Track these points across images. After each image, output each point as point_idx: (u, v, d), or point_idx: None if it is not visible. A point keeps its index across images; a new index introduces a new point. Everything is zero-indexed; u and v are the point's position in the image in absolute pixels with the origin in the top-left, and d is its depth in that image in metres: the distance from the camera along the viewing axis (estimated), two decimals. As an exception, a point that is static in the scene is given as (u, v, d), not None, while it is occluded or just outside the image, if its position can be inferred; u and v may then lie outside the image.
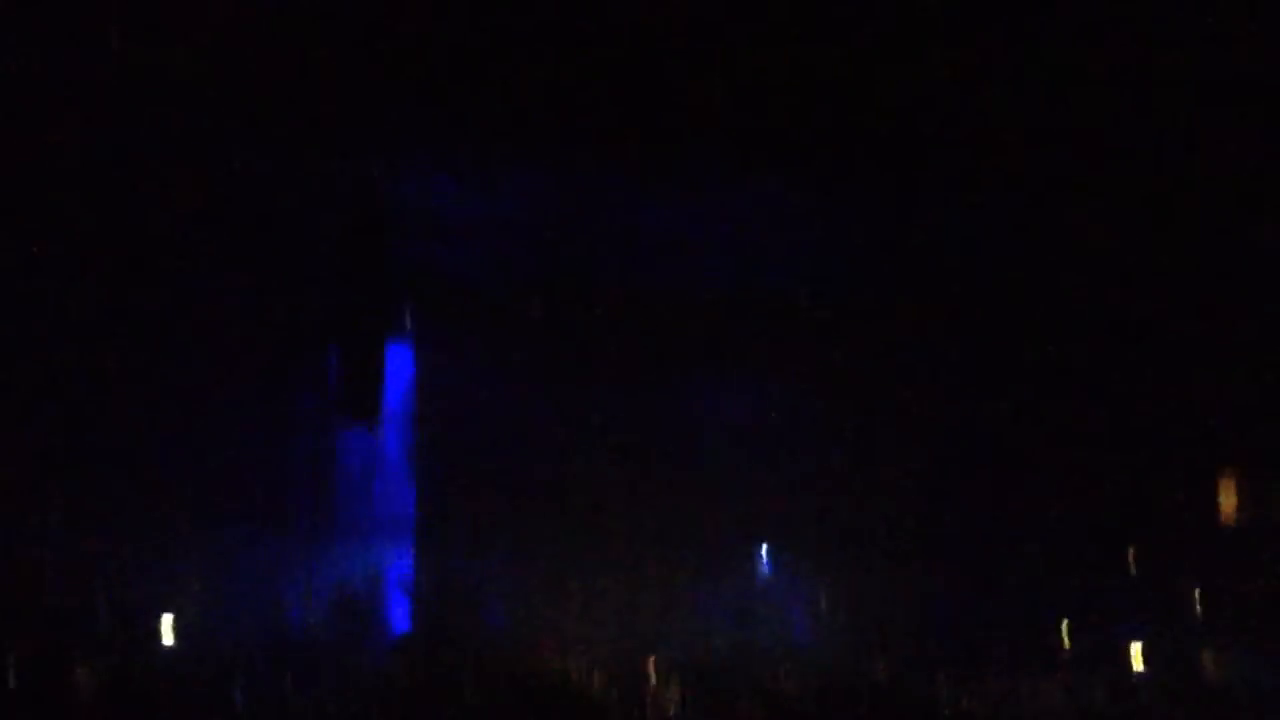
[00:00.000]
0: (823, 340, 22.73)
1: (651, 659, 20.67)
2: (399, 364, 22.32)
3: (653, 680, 19.61)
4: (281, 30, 17.36)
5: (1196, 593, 20.35)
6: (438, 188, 20.70)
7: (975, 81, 18.94)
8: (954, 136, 19.48)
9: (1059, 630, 21.05)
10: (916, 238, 21.56)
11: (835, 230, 21.56)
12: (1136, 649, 19.89)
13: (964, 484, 21.87)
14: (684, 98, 19.11)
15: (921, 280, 22.14)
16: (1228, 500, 20.72)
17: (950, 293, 22.19)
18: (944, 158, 19.75)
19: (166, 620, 17.11)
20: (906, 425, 22.34)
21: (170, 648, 16.94)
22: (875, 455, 22.61)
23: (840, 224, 21.54)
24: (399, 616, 22.14)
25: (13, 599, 14.63)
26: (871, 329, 22.88)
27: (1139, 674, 19.24)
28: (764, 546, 23.16)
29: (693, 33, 18.42)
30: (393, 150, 19.86)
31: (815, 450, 22.66)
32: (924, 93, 19.18)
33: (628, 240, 21.50)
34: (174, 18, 16.43)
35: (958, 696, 18.28)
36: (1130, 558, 20.95)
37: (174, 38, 16.69)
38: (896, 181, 20.44)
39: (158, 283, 18.21)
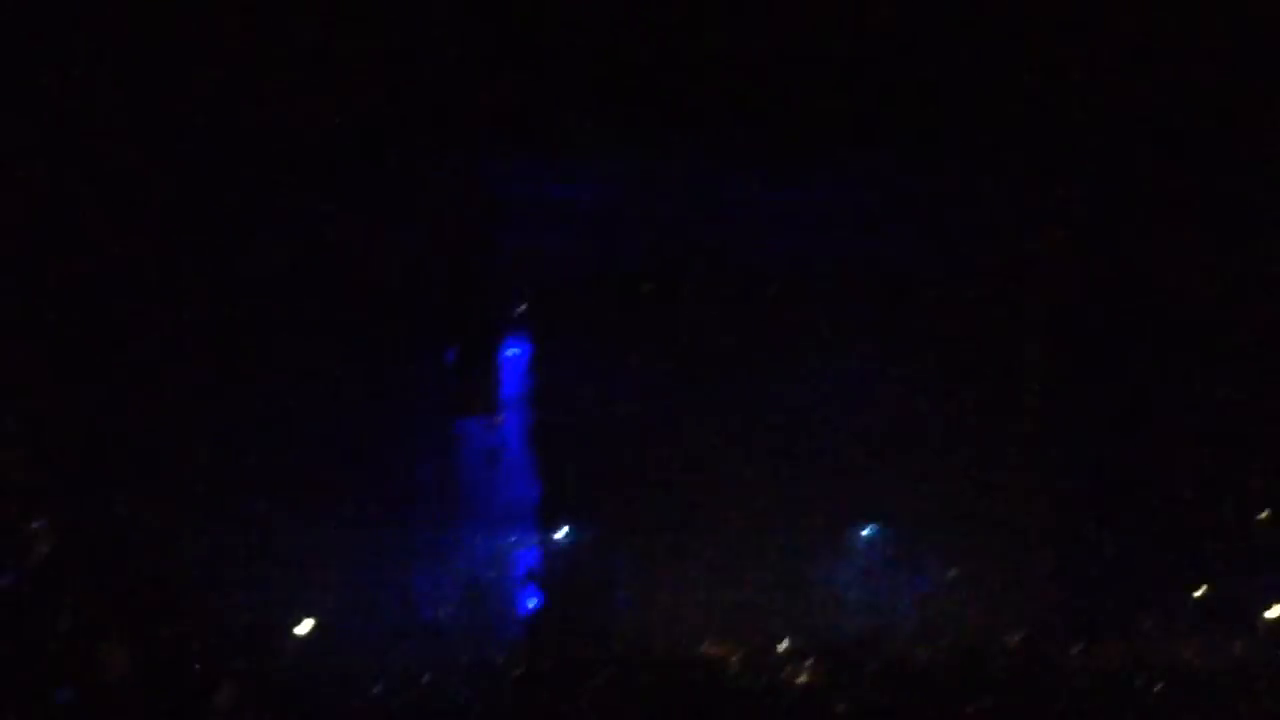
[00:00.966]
0: (938, 314, 22.65)
1: (780, 636, 20.69)
2: (516, 354, 22.52)
3: (783, 658, 19.58)
4: (392, 27, 17.64)
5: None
6: (547, 177, 20.89)
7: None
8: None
9: (1190, 591, 20.85)
10: (1024, 212, 21.47)
11: (943, 204, 21.49)
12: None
13: (1085, 453, 21.73)
14: (791, 78, 19.17)
15: (1028, 252, 22.04)
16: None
17: (1055, 266, 22.07)
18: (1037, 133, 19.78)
19: (300, 610, 17.37)
20: (1026, 399, 22.23)
21: (304, 636, 17.20)
22: (997, 429, 22.52)
23: (947, 198, 21.48)
24: (526, 602, 22.34)
25: (156, 588, 14.89)
26: (987, 303, 22.77)
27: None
28: (889, 523, 23.13)
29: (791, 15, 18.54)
30: (502, 142, 20.07)
31: (940, 424, 22.59)
32: (1038, 71, 19.18)
33: (738, 221, 21.56)
34: (285, 18, 16.78)
35: (1088, 660, 18.08)
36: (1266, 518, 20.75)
37: (291, 37, 17.04)
38: (998, 156, 20.43)
39: (283, 283, 18.50)
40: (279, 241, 18.66)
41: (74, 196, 16.85)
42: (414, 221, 19.84)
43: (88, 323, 17.16)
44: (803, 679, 18.16)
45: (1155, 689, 15.84)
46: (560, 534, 22.29)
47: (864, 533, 22.94)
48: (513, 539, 22.44)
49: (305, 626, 17.51)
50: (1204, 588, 20.86)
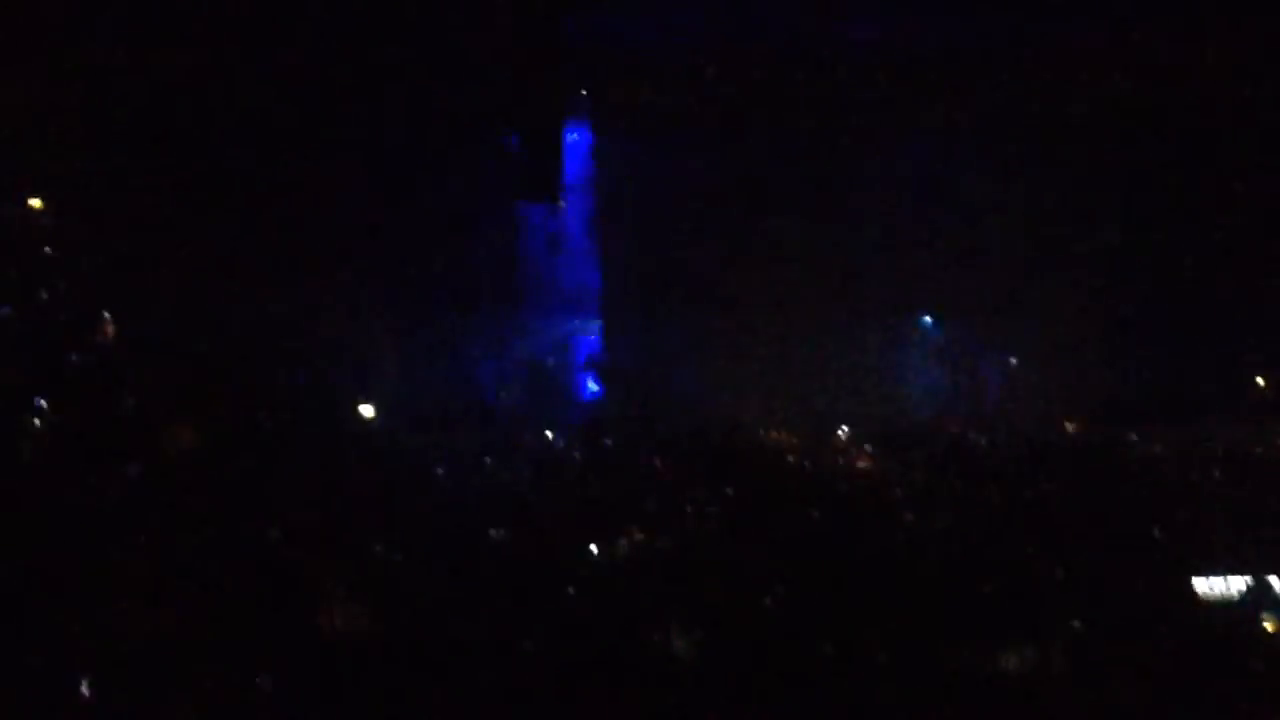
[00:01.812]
0: (1004, 107, 22.34)
1: (840, 424, 20.80)
2: (578, 141, 22.38)
3: (843, 444, 19.70)
4: None
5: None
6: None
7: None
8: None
9: (1246, 383, 20.77)
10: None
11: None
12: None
13: (1143, 251, 21.54)
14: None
15: (1106, 58, 21.61)
16: None
17: (1130, 75, 21.66)
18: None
19: (365, 393, 17.57)
20: (1084, 191, 21.98)
21: (372, 419, 17.41)
22: (1056, 221, 22.31)
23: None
24: (587, 388, 22.52)
25: (221, 369, 15.08)
26: (1044, 91, 22.40)
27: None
28: (948, 313, 23.06)
29: None
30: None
31: (1001, 217, 22.39)
32: None
33: (803, 6, 21.15)
34: None
35: (1144, 448, 18.11)
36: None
37: None
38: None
39: (350, 68, 18.39)
40: (344, 28, 18.51)
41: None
42: (478, 8, 19.59)
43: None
44: (862, 464, 18.32)
45: (1209, 477, 15.90)
46: (620, 321, 22.37)
47: (924, 322, 22.89)
48: (574, 325, 22.55)
49: (369, 409, 17.73)
50: (1261, 378, 20.81)
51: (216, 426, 14.27)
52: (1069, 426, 20.20)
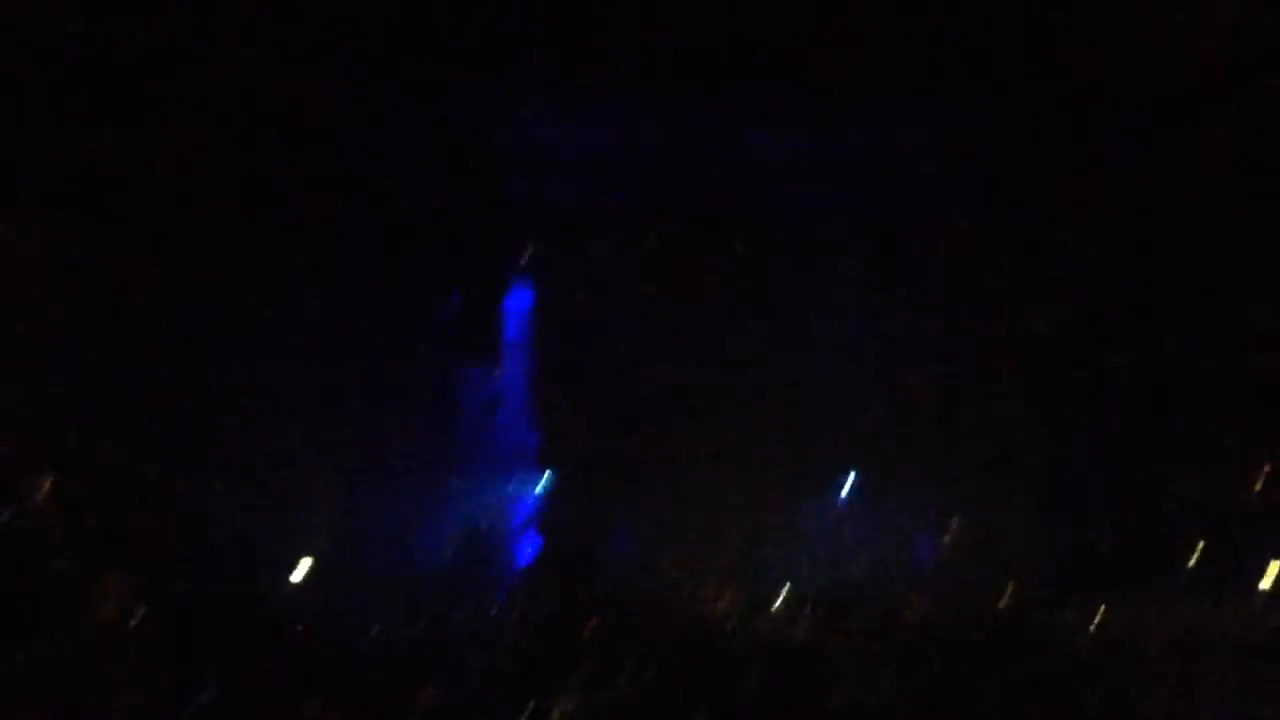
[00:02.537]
0: (937, 262, 22.58)
1: (778, 587, 20.73)
2: (518, 298, 22.44)
3: (781, 608, 19.63)
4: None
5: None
6: (551, 123, 20.75)
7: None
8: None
9: (1188, 553, 20.84)
10: (1033, 162, 21.29)
11: (945, 155, 21.31)
12: (1274, 568, 19.65)
13: (1086, 415, 21.66)
14: (798, 25, 19.03)
15: (1036, 205, 21.88)
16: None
17: (1064, 213, 21.94)
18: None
19: (297, 554, 17.40)
20: (1028, 357, 22.17)
21: (301, 585, 17.24)
22: (997, 380, 22.47)
23: (949, 148, 21.32)
24: (524, 549, 22.37)
25: (153, 529, 14.93)
26: (990, 258, 22.69)
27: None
28: (888, 475, 23.11)
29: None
30: (505, 88, 19.94)
31: (939, 376, 22.54)
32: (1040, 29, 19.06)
33: (744, 170, 21.39)
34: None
35: (1086, 622, 18.11)
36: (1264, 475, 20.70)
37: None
38: (1006, 108, 20.27)
39: (282, 226, 18.38)
40: (275, 185, 18.52)
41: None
42: (416, 168, 19.71)
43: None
44: (800, 630, 18.24)
45: (1152, 652, 15.91)
46: (558, 483, 22.29)
47: (862, 485, 22.91)
48: (511, 487, 22.46)
49: (302, 569, 17.55)
50: (1201, 549, 20.87)
51: (149, 588, 14.10)
52: (1006, 598, 20.19)
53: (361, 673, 14.41)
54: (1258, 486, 20.55)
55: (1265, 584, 19.49)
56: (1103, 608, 18.28)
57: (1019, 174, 21.48)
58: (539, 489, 22.60)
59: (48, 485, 14.63)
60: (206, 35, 17.26)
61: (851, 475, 22.84)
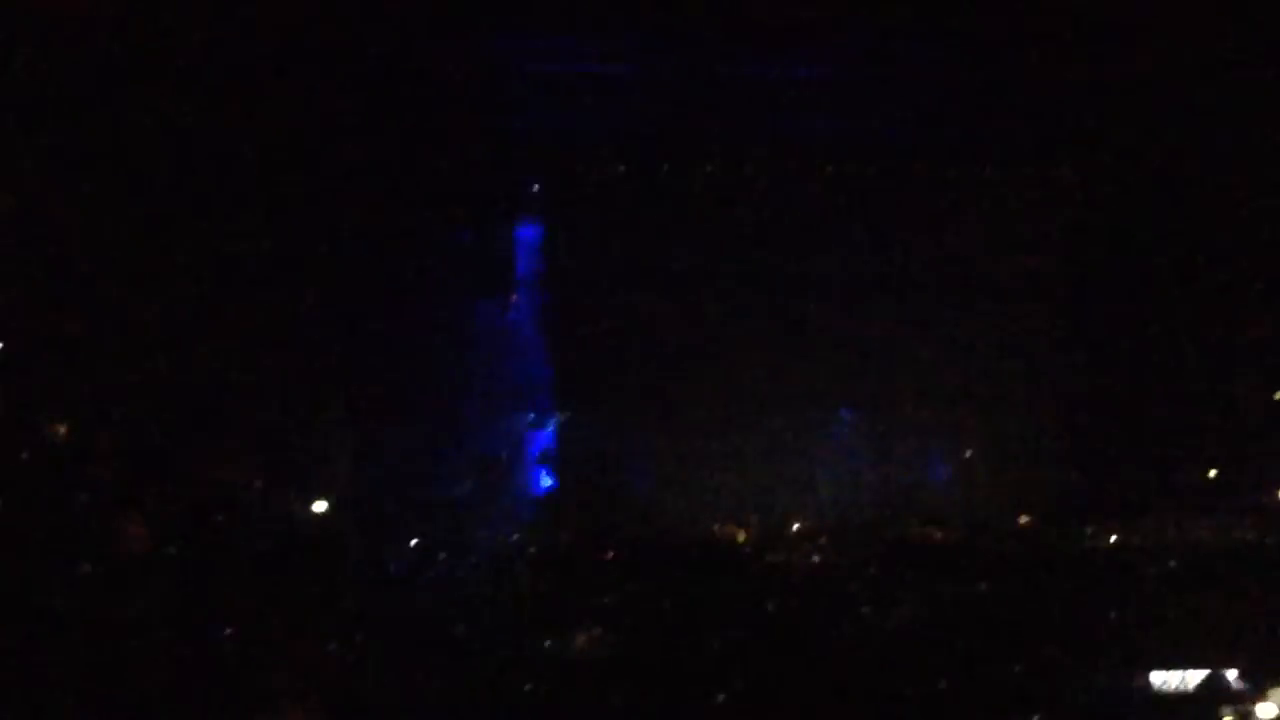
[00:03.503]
0: (949, 187, 22.52)
1: (792, 517, 20.80)
2: (531, 234, 22.44)
3: (795, 538, 19.70)
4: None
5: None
6: (559, 54, 20.67)
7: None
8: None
9: (1198, 472, 20.90)
10: (1024, 90, 21.13)
11: (942, 77, 21.16)
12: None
13: (1097, 337, 21.62)
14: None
15: (1031, 127, 21.76)
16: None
17: (1061, 144, 21.85)
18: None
19: (316, 490, 17.49)
20: (1038, 279, 22.12)
21: (320, 514, 17.33)
22: (1011, 310, 22.44)
23: (948, 70, 21.17)
24: (540, 481, 22.45)
25: (173, 468, 15.01)
26: (997, 181, 22.61)
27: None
28: (903, 405, 23.13)
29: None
30: (513, 20, 19.86)
31: (956, 305, 22.51)
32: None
33: (755, 98, 21.30)
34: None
35: (1099, 541, 18.19)
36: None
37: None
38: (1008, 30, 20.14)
39: (296, 161, 18.35)
40: (290, 125, 18.50)
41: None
42: (427, 101, 19.68)
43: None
44: (814, 559, 18.31)
45: (1166, 570, 15.97)
46: (574, 417, 22.35)
47: (880, 415, 22.91)
48: (526, 419, 22.53)
49: (321, 505, 17.64)
50: (1215, 469, 20.92)
51: (169, 525, 14.19)
52: (1023, 520, 20.27)
53: (382, 605, 14.50)
54: (1264, 414, 20.64)
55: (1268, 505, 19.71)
56: (1113, 530, 18.40)
57: (1007, 98, 21.37)
58: (555, 423, 22.70)
59: (67, 428, 14.72)
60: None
61: (869, 410, 22.94)
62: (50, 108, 16.28)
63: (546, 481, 22.50)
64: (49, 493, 13.16)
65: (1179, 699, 11.77)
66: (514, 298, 22.40)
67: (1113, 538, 17.77)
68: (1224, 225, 20.28)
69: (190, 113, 17.42)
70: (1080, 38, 19.54)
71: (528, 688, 12.12)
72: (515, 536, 18.80)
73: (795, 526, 20.43)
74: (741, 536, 19.93)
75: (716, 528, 20.39)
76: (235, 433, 16.96)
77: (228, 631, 12.44)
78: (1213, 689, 11.72)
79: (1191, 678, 11.86)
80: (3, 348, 15.47)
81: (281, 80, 17.94)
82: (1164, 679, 11.93)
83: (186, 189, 17.33)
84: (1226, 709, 11.51)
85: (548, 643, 13.62)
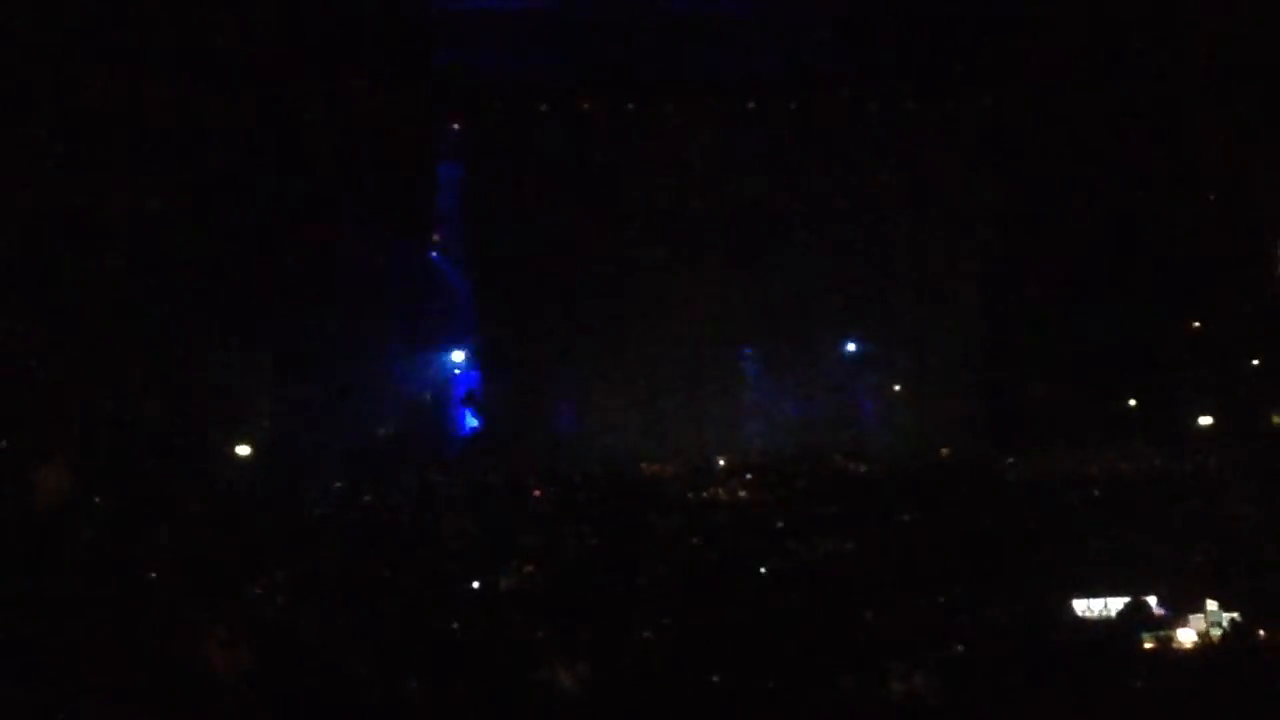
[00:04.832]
0: (875, 128, 22.55)
1: (717, 454, 20.89)
2: (451, 174, 22.31)
3: (721, 474, 19.78)
4: None
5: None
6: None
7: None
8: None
9: (1116, 404, 21.15)
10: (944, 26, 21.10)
11: (875, 10, 21.09)
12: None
13: (1024, 281, 21.75)
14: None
15: (980, 70, 21.77)
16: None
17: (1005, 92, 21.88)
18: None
19: (240, 434, 17.45)
20: (969, 222, 22.21)
21: (244, 458, 17.30)
22: (936, 247, 22.54)
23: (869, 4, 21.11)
24: (466, 422, 22.44)
25: (95, 411, 14.88)
26: (918, 115, 22.64)
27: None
28: (826, 342, 23.23)
29: None
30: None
31: (879, 241, 22.58)
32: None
33: (678, 34, 21.16)
34: None
35: (1019, 471, 18.38)
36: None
37: None
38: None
39: (230, 100, 18.10)
40: (220, 65, 18.24)
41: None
42: (347, 42, 19.45)
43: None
44: (740, 494, 18.40)
45: (1086, 499, 16.16)
46: (497, 355, 22.32)
47: (805, 352, 23.00)
48: (451, 360, 22.48)
49: (244, 449, 17.56)
50: (1133, 399, 21.19)
51: (89, 466, 14.07)
52: (944, 452, 20.45)
53: (309, 552, 14.43)
54: (1180, 346, 20.93)
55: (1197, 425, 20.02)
56: (1033, 459, 18.59)
57: (927, 33, 21.35)
58: (480, 365, 22.65)
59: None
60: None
61: (793, 347, 23.02)
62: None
63: (472, 422, 22.49)
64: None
65: (1101, 625, 11.93)
66: (436, 238, 22.31)
67: (1033, 468, 17.97)
68: (1144, 159, 20.45)
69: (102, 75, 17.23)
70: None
71: (455, 626, 12.11)
72: (440, 479, 18.79)
73: (721, 463, 20.56)
74: (668, 472, 20.02)
75: (644, 465, 20.49)
76: (158, 379, 16.81)
77: (153, 575, 12.36)
78: (1134, 615, 11.89)
79: (1113, 604, 12.03)
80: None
81: (202, 20, 17.73)
82: (1086, 606, 12.09)
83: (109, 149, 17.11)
84: (1148, 635, 11.68)
85: (476, 582, 13.59)
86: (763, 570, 13.76)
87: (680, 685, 10.61)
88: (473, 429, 22.25)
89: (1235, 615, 11.80)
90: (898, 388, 22.73)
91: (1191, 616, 11.90)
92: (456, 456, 21.20)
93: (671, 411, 22.11)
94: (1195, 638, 11.78)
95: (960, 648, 11.14)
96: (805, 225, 22.37)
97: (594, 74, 21.59)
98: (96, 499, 13.68)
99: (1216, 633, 11.80)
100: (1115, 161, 20.33)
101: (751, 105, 22.41)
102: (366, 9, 19.79)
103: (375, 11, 19.98)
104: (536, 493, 17.62)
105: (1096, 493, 16.18)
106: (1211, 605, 11.95)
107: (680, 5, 20.86)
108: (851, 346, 23.04)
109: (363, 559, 13.99)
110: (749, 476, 18.82)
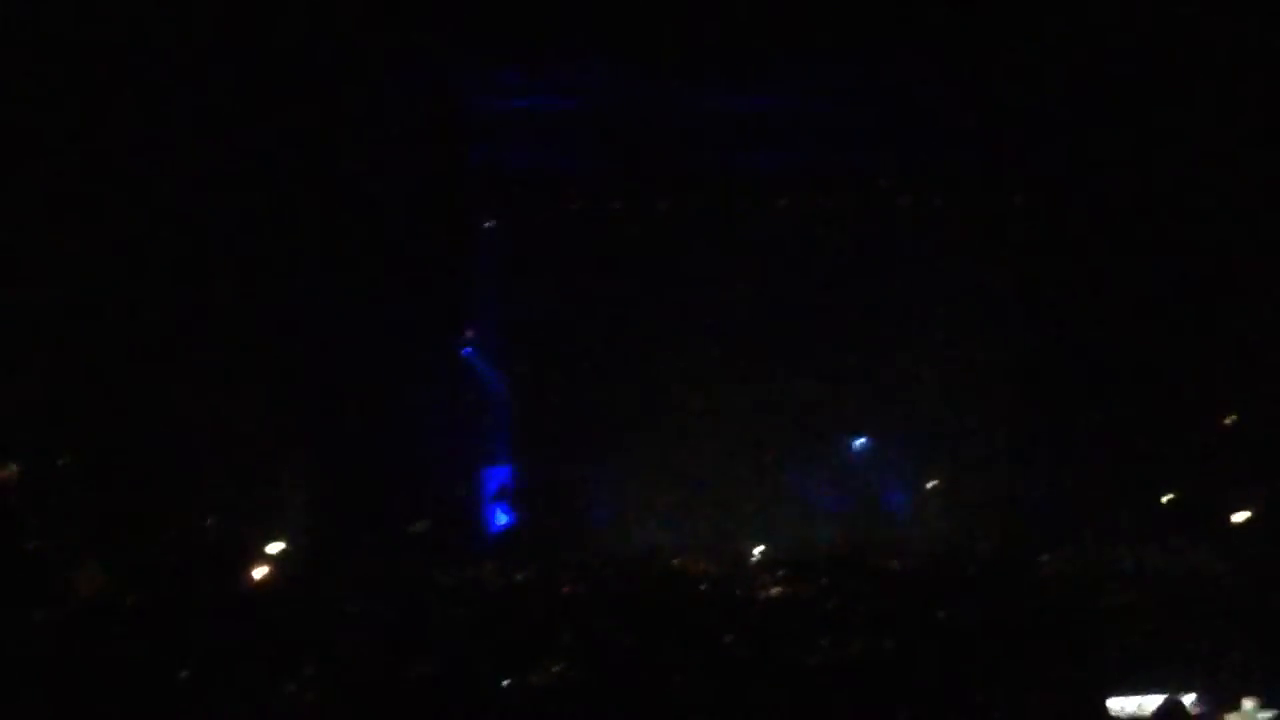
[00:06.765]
0: (904, 224, 22.65)
1: (753, 549, 20.81)
2: (485, 268, 22.44)
3: (756, 569, 19.70)
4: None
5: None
6: (518, 91, 20.68)
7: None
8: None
9: (1157, 498, 20.98)
10: (991, 118, 21.25)
11: (901, 108, 21.26)
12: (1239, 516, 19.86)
13: (1057, 374, 21.71)
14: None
15: (1003, 161, 21.87)
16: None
17: (1029, 180, 21.94)
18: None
19: (272, 531, 17.41)
20: (1001, 315, 22.22)
21: (276, 555, 17.26)
22: (967, 340, 22.55)
23: (916, 107, 21.30)
24: (498, 520, 22.40)
25: (129, 510, 14.91)
26: (961, 218, 22.74)
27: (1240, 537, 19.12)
28: (864, 437, 23.21)
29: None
30: (472, 56, 19.90)
31: (914, 340, 22.62)
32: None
33: (710, 134, 21.36)
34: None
35: (1058, 567, 18.23)
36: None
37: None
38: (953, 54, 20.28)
39: (252, 194, 18.26)
40: (246, 156, 18.43)
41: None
42: (384, 136, 19.67)
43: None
44: (774, 590, 18.31)
45: (1122, 595, 16.02)
46: (530, 450, 22.34)
47: (838, 447, 23.00)
48: (484, 455, 22.50)
49: (276, 547, 17.53)
50: (1171, 494, 21.03)
51: (127, 568, 14.09)
52: (980, 548, 20.33)
53: (344, 646, 14.41)
54: (1216, 442, 20.77)
55: (1234, 520, 19.82)
56: (1072, 556, 18.45)
57: (956, 129, 21.50)
58: (513, 461, 22.66)
59: (18, 471, 14.59)
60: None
61: (829, 443, 23.01)
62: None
63: (504, 518, 22.49)
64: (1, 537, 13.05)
65: (1136, 724, 11.85)
66: (469, 334, 22.42)
67: (1069, 565, 17.84)
68: (1175, 252, 20.46)
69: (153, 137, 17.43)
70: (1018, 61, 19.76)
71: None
72: (473, 576, 18.75)
73: (755, 557, 20.49)
74: (701, 568, 19.95)
75: (676, 560, 20.43)
76: (193, 476, 16.87)
77: (185, 675, 12.34)
78: (1169, 714, 11.76)
79: (1149, 703, 11.91)
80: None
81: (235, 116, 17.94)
82: (1121, 704, 11.98)
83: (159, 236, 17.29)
84: (1182, 733, 11.61)
85: (508, 680, 13.52)
86: (798, 667, 13.66)
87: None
88: (504, 524, 22.24)
89: (1273, 713, 11.67)
90: (932, 483, 22.66)
91: (1228, 715, 11.79)
92: (488, 551, 21.17)
93: (705, 506, 22.08)
94: (1232, 736, 11.68)
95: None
96: (837, 321, 22.42)
97: (630, 173, 21.77)
98: (130, 596, 13.71)
99: (1253, 731, 11.68)
100: (1148, 255, 20.33)
101: (783, 202, 22.57)
102: (400, 108, 20.00)
103: (409, 110, 20.19)
104: (568, 589, 17.55)
105: (1132, 588, 16.05)
106: (1248, 704, 11.82)
107: (712, 103, 21.03)
108: (884, 441, 23.01)
109: (393, 655, 13.95)
110: (782, 573, 18.73)
